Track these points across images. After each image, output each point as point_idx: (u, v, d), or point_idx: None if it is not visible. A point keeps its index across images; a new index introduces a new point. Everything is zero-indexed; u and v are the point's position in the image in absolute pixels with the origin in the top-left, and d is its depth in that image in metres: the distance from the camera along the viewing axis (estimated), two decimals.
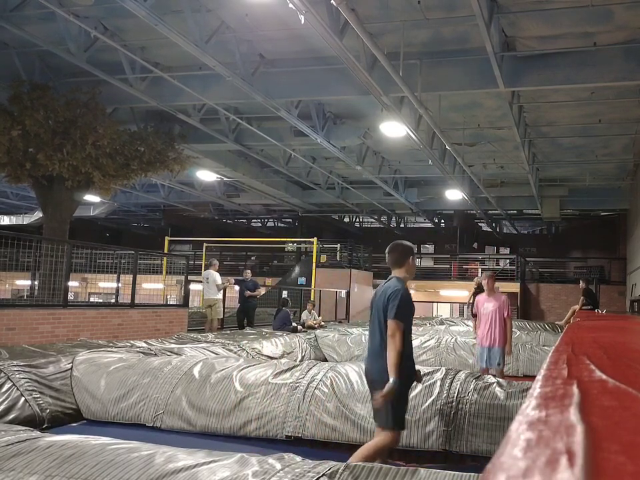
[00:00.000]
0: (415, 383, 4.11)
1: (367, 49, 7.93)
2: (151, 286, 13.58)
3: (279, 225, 30.58)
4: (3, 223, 24.88)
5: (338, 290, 18.64)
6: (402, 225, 27.86)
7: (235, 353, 7.19)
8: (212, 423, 4.75)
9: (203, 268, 18.90)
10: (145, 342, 7.28)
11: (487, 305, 7.02)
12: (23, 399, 4.63)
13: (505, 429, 4.20)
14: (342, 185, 18.93)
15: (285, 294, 14.33)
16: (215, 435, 4.72)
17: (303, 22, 6.66)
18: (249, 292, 12.03)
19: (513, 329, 7.19)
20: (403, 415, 3.74)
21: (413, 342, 4.01)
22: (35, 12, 8.53)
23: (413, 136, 10.85)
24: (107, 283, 16.31)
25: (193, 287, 13.37)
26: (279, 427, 4.62)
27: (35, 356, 5.37)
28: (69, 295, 8.95)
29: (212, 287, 11.31)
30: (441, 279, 23.74)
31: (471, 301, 10.82)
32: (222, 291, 11.58)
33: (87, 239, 23.55)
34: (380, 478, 2.43)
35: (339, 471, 2.45)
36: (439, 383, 4.67)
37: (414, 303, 4.00)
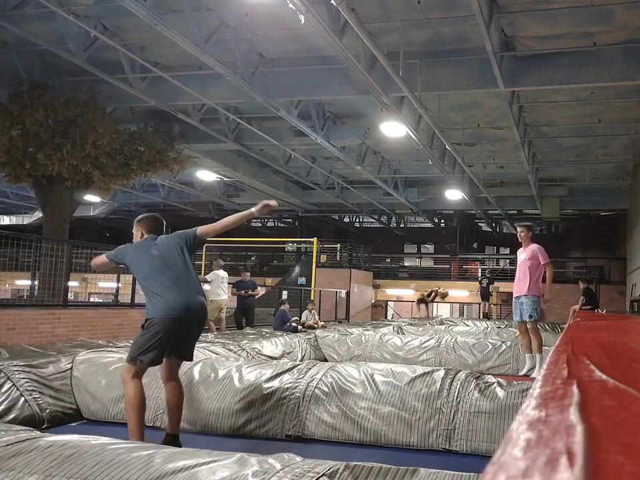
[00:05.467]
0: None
1: (366, 49, 7.93)
2: None
3: (279, 224, 30.58)
4: (3, 223, 24.87)
5: (338, 290, 18.64)
6: (402, 225, 27.87)
7: (235, 352, 7.19)
8: (212, 422, 4.75)
9: (203, 268, 18.90)
10: None
11: (520, 257, 7.06)
12: (22, 398, 4.62)
13: (505, 428, 4.20)
14: (342, 185, 18.94)
15: (284, 294, 14.33)
16: (214, 434, 4.72)
17: (302, 22, 6.66)
18: (249, 291, 12.02)
19: (550, 275, 6.96)
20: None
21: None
22: (35, 11, 8.53)
23: (413, 136, 10.85)
24: (107, 283, 16.31)
25: None
26: (278, 427, 4.62)
27: (35, 356, 5.37)
28: (68, 295, 8.95)
29: (217, 289, 11.28)
30: (440, 278, 23.75)
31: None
32: (226, 291, 11.55)
33: (87, 238, 23.53)
34: (380, 477, 2.43)
35: (339, 470, 2.44)
36: (439, 382, 4.67)
37: None
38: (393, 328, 12.37)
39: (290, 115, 11.00)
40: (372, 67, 8.48)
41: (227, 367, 5.17)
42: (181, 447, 3.54)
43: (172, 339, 3.85)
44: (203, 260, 19.92)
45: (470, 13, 7.34)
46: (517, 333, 7.55)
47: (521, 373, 7.23)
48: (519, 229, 7.20)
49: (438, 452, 4.36)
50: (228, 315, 12.51)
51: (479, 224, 27.73)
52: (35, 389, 4.78)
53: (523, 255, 7.01)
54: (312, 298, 15.63)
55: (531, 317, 6.88)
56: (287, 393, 4.77)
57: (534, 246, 6.98)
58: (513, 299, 7.16)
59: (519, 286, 6.96)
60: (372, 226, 29.58)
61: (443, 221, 27.40)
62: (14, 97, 10.57)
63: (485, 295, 17.70)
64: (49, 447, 2.59)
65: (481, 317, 17.51)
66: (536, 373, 7.21)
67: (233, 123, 13.05)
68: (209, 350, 6.74)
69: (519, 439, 0.57)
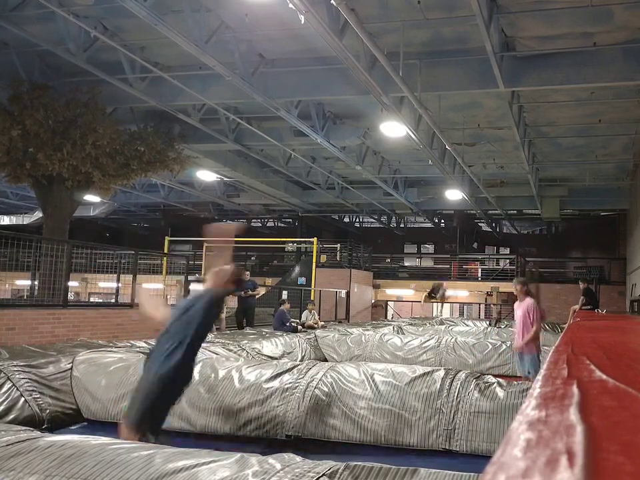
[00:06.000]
0: None
1: (366, 49, 7.92)
2: (151, 286, 13.57)
3: (279, 224, 30.58)
4: (3, 223, 24.86)
5: (338, 290, 18.64)
6: (402, 225, 27.86)
7: (235, 352, 7.19)
8: (212, 422, 4.75)
9: (203, 268, 18.89)
10: (144, 342, 7.28)
11: (517, 312, 7.18)
12: (22, 399, 4.62)
13: (505, 428, 4.20)
14: (342, 185, 18.93)
15: (284, 294, 14.34)
16: (214, 434, 4.72)
17: (302, 22, 6.66)
18: (249, 291, 12.03)
19: (534, 333, 6.97)
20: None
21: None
22: (35, 12, 8.52)
23: (413, 136, 10.85)
24: (107, 283, 16.31)
25: (193, 287, 13.33)
26: (278, 427, 4.62)
27: (35, 356, 5.37)
28: (69, 295, 8.95)
29: None
30: (440, 279, 23.73)
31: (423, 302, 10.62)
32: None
33: (87, 238, 23.55)
34: (380, 477, 2.43)
35: (339, 470, 2.45)
36: (439, 382, 4.67)
37: None
38: (393, 328, 12.37)
39: (290, 115, 11.00)
40: (372, 67, 8.47)
41: (227, 367, 5.17)
42: None
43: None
44: (203, 260, 19.91)
45: (470, 13, 7.33)
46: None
47: None
48: (514, 283, 7.31)
49: (438, 452, 4.36)
50: (228, 315, 12.53)
51: (479, 224, 27.72)
52: (35, 389, 4.78)
53: (519, 311, 7.11)
54: (312, 298, 15.63)
55: (529, 372, 6.93)
56: (287, 393, 4.77)
57: (528, 302, 7.05)
58: (517, 353, 7.26)
59: (519, 341, 7.05)
60: (372, 226, 29.57)
61: (442, 220, 27.39)
62: (14, 97, 10.57)
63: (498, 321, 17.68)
64: (49, 447, 2.59)
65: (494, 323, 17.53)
66: None
67: (233, 122, 13.05)
68: (209, 350, 6.75)
69: (519, 439, 0.57)
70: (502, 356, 9.46)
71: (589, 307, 12.58)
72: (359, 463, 2.53)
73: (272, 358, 7.67)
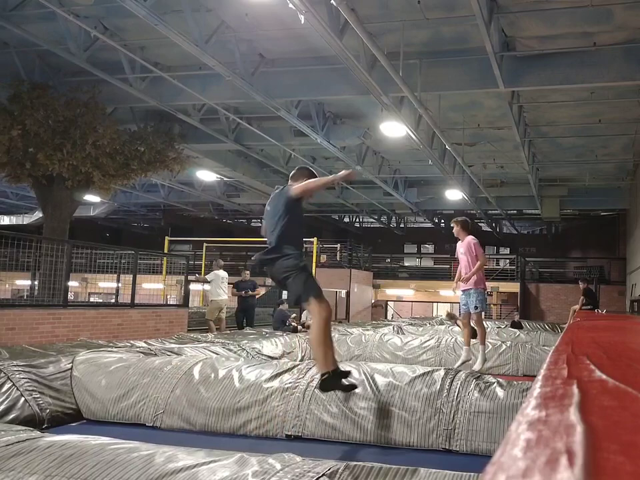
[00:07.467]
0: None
1: (366, 49, 7.93)
2: (151, 286, 13.58)
3: None
4: (3, 223, 24.86)
5: (338, 290, 18.63)
6: (402, 225, 27.86)
7: (235, 352, 7.18)
8: (212, 422, 4.75)
9: (203, 268, 18.89)
10: (144, 342, 7.27)
11: (459, 250, 7.15)
12: (22, 399, 4.62)
13: (505, 428, 4.20)
14: (342, 185, 18.93)
15: (284, 294, 14.33)
16: (214, 434, 4.72)
17: (302, 22, 6.67)
18: (249, 291, 12.03)
19: (480, 265, 6.92)
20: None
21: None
22: (35, 11, 8.53)
23: (413, 136, 10.85)
24: (107, 283, 16.31)
25: (193, 286, 13.34)
26: (278, 427, 4.62)
27: (34, 356, 5.37)
28: (68, 295, 8.96)
29: (217, 289, 11.30)
30: (440, 278, 23.74)
31: None
32: (226, 291, 11.59)
33: (87, 238, 23.53)
34: (380, 477, 2.43)
35: (339, 470, 2.44)
36: (439, 382, 4.67)
37: None
38: (393, 328, 12.36)
39: (290, 114, 11.00)
40: (372, 67, 8.48)
41: (227, 366, 5.17)
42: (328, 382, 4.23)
43: None
44: (203, 260, 19.90)
45: (470, 13, 7.33)
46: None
47: (455, 366, 6.74)
48: (451, 224, 7.29)
49: (438, 452, 4.36)
50: (228, 315, 12.52)
51: (479, 224, 27.73)
52: (35, 389, 4.78)
53: (461, 249, 7.08)
54: None
55: (476, 308, 6.90)
56: (287, 393, 4.76)
57: (469, 239, 7.00)
58: (460, 292, 7.19)
59: (465, 276, 6.98)
60: (372, 226, 29.57)
61: (442, 221, 27.39)
62: (14, 97, 10.57)
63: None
64: (49, 447, 2.59)
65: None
66: (477, 365, 7.12)
67: (233, 123, 13.05)
68: (209, 350, 6.75)
69: (519, 439, 0.57)
70: (502, 356, 9.45)
71: (589, 307, 12.59)
72: (359, 463, 2.53)
73: (272, 358, 7.66)
